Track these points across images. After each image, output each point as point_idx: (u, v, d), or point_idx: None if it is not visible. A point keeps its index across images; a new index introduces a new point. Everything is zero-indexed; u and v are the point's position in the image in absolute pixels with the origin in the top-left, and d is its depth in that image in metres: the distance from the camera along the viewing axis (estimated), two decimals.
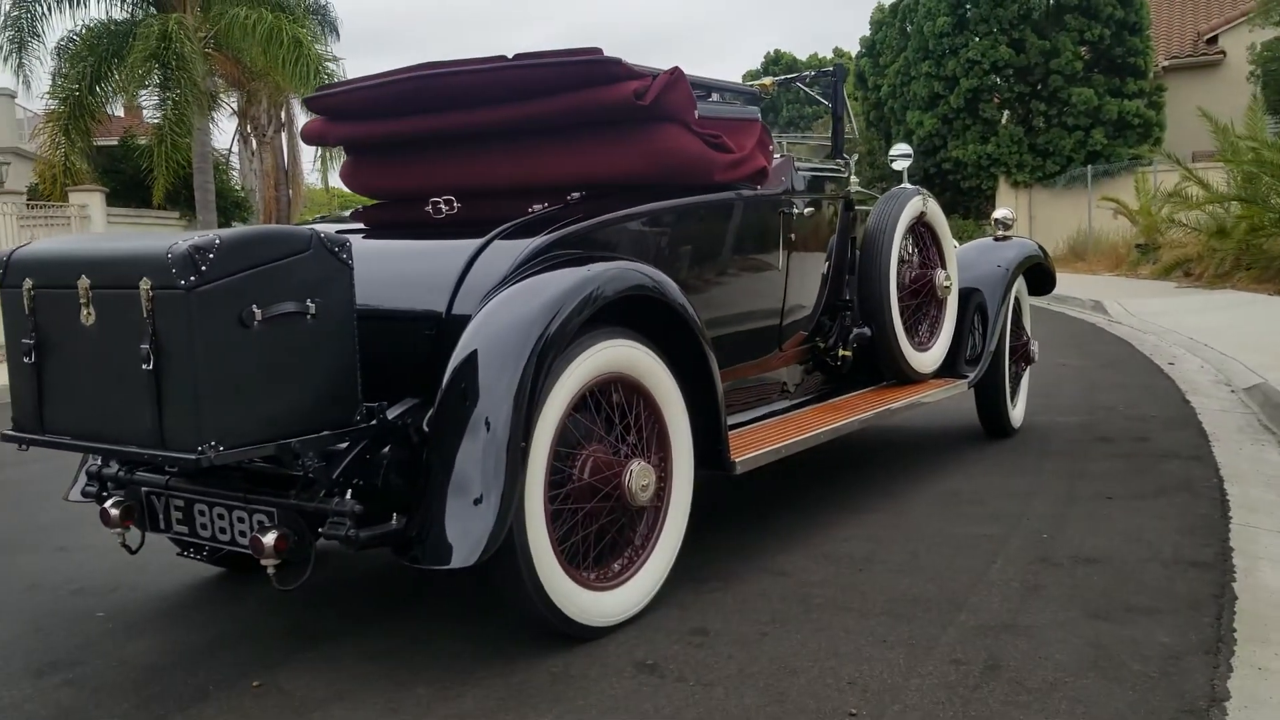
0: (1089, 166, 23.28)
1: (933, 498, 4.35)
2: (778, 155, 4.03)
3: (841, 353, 4.60)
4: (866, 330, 4.64)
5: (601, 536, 3.03)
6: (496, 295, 2.88)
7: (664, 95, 3.30)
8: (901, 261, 4.85)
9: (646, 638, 2.98)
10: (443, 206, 3.54)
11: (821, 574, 3.47)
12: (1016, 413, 5.55)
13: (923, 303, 4.94)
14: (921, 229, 4.96)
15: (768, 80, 4.76)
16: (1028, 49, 24.21)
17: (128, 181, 18.08)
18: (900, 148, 5.12)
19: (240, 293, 2.50)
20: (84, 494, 3.17)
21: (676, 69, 3.33)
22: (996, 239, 5.59)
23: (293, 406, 2.63)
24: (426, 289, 3.02)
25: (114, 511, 2.98)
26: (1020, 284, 5.59)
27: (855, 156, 5.63)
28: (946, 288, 4.91)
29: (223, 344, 2.47)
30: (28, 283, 2.77)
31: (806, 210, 4.05)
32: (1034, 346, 5.65)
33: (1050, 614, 3.05)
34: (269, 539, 2.63)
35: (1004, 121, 25.09)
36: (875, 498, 4.35)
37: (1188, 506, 4.09)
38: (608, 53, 3.30)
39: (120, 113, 20.47)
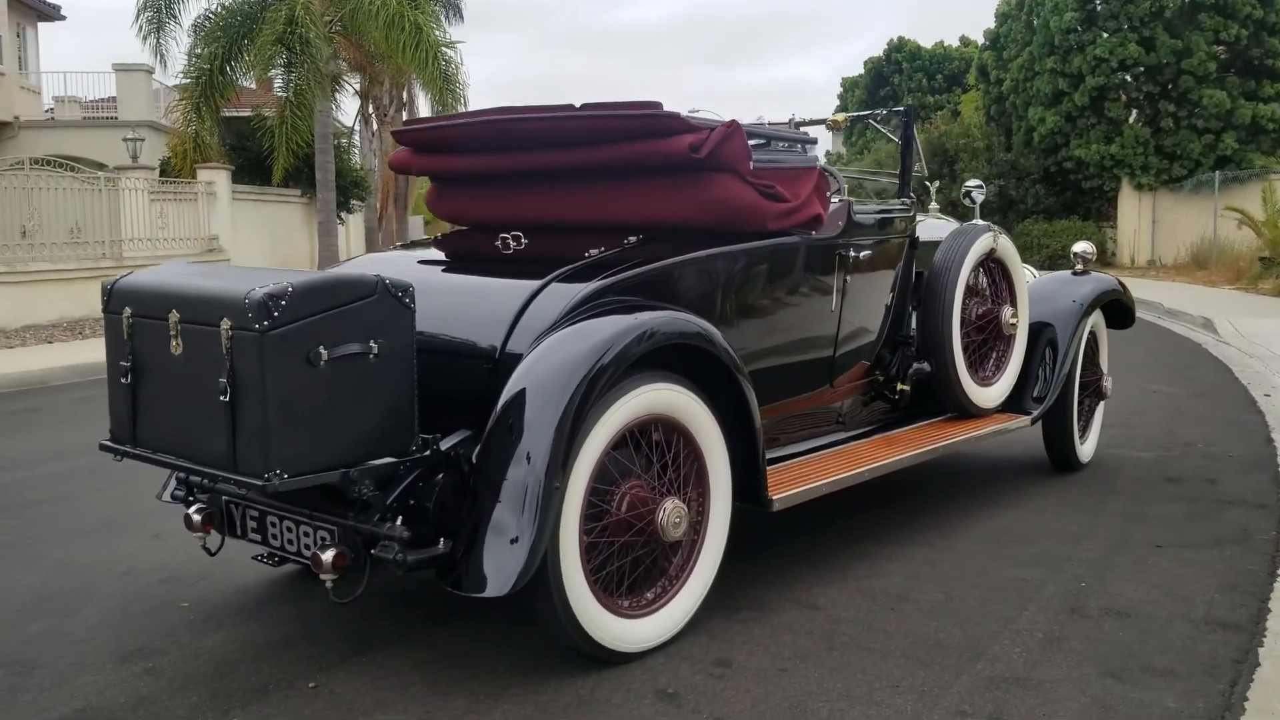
0: (1217, 172, 22.50)
1: (981, 535, 4.44)
2: (836, 199, 4.15)
3: (900, 387, 4.70)
4: (926, 365, 4.72)
5: (636, 567, 3.22)
6: (548, 338, 3.09)
7: (720, 148, 3.46)
8: (969, 296, 4.92)
9: (672, 666, 3.17)
10: (511, 242, 3.76)
11: (853, 610, 3.61)
12: (1086, 448, 5.56)
13: (989, 338, 5.00)
14: (992, 264, 5.01)
15: (840, 116, 4.86)
16: (1158, 47, 23.46)
17: (253, 159, 18.85)
18: (974, 182, 5.17)
19: (309, 335, 2.75)
20: (173, 497, 3.50)
21: (733, 123, 3.48)
22: (1075, 273, 5.60)
23: (354, 438, 2.88)
24: (485, 326, 3.24)
25: (196, 517, 3.29)
26: (1098, 319, 5.59)
27: (937, 184, 5.70)
28: (1013, 324, 4.95)
29: (291, 382, 2.72)
30: (127, 311, 3.07)
31: (863, 252, 4.17)
32: (1107, 382, 5.65)
33: (1065, 669, 3.14)
34: (328, 556, 2.88)
35: (1130, 121, 24.39)
36: (923, 531, 4.46)
37: (1236, 560, 4.10)
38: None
39: (253, 84, 21.31)
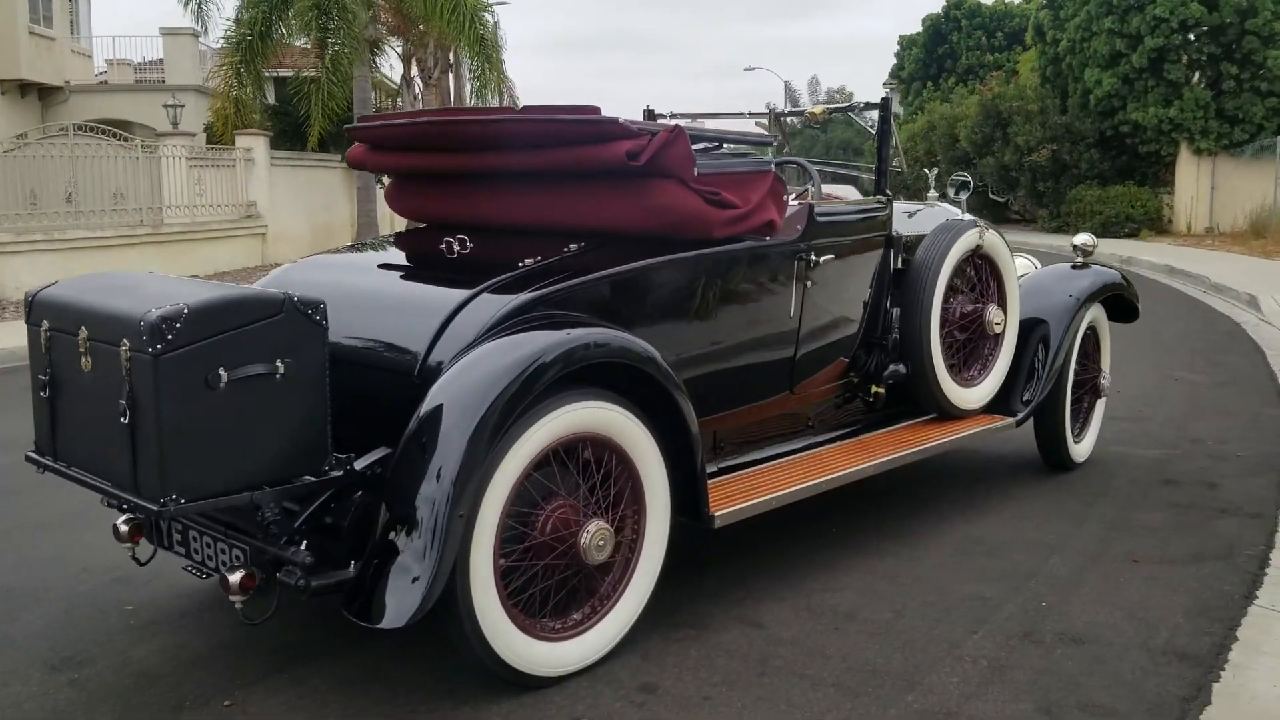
0: (1279, 138, 21.70)
1: (952, 544, 4.31)
2: (795, 203, 4.00)
3: (874, 389, 4.57)
4: (901, 367, 4.58)
5: (562, 588, 3.15)
6: (468, 353, 3.01)
7: (661, 154, 3.34)
8: (953, 295, 4.76)
9: (594, 690, 3.10)
10: (456, 245, 3.68)
11: (796, 629, 3.51)
12: (1082, 447, 5.38)
13: (974, 337, 4.83)
14: (979, 261, 4.84)
15: (817, 108, 4.69)
16: (1221, 7, 22.56)
17: (294, 124, 18.91)
18: (960, 175, 4.98)
19: (207, 358, 2.70)
20: (109, 503, 3.48)
21: (676, 128, 3.35)
22: (1074, 266, 5.39)
23: (259, 460, 2.83)
24: (408, 339, 3.18)
25: (124, 528, 3.28)
26: (1098, 314, 5.39)
27: (935, 171, 5.51)
28: (998, 324, 4.78)
29: (187, 405, 2.67)
30: (45, 324, 3.05)
31: (827, 255, 4.02)
32: (1105, 380, 5.45)
33: (1001, 704, 3.03)
34: (235, 577, 2.85)
35: (1191, 84, 23.57)
36: (891, 540, 4.33)
37: (1214, 579, 3.94)
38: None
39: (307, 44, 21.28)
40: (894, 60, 45.35)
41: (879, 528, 4.46)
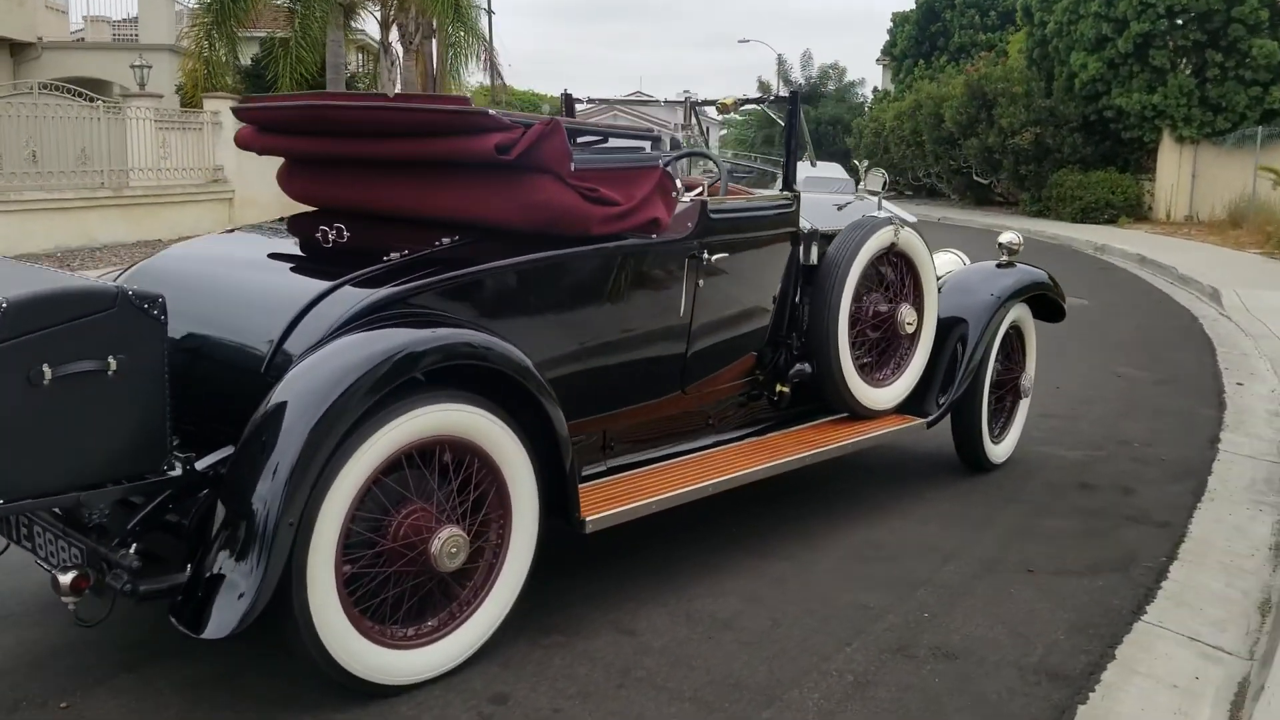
0: (1260, 127, 21.59)
1: (848, 548, 4.24)
2: (686, 199, 3.90)
3: (779, 388, 4.49)
4: (807, 367, 4.50)
5: (416, 593, 3.07)
6: (320, 349, 2.92)
7: (535, 148, 3.23)
8: (867, 293, 4.67)
9: (443, 701, 3.03)
10: (331, 234, 3.57)
11: (668, 637, 3.44)
12: (1001, 448, 5.31)
13: (888, 337, 4.75)
14: (895, 259, 4.74)
15: (729, 99, 4.58)
16: None
17: (266, 88, 18.67)
18: (876, 173, 4.88)
19: (27, 354, 2.59)
20: None
21: (552, 121, 3.25)
22: (1000, 265, 5.31)
23: (89, 459, 2.73)
24: (259, 333, 3.08)
25: None
26: (1022, 314, 5.31)
27: (867, 164, 5.41)
28: (910, 324, 4.69)
29: (7, 403, 2.58)
30: None
31: (723, 253, 3.92)
32: (1027, 380, 5.37)
33: None
34: (66, 578, 2.76)
35: (1179, 69, 23.40)
36: (787, 542, 4.26)
37: (1105, 593, 3.88)
38: None
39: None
40: (886, 37, 45.12)
41: (776, 530, 4.39)
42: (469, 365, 3.05)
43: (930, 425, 4.82)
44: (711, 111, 4.93)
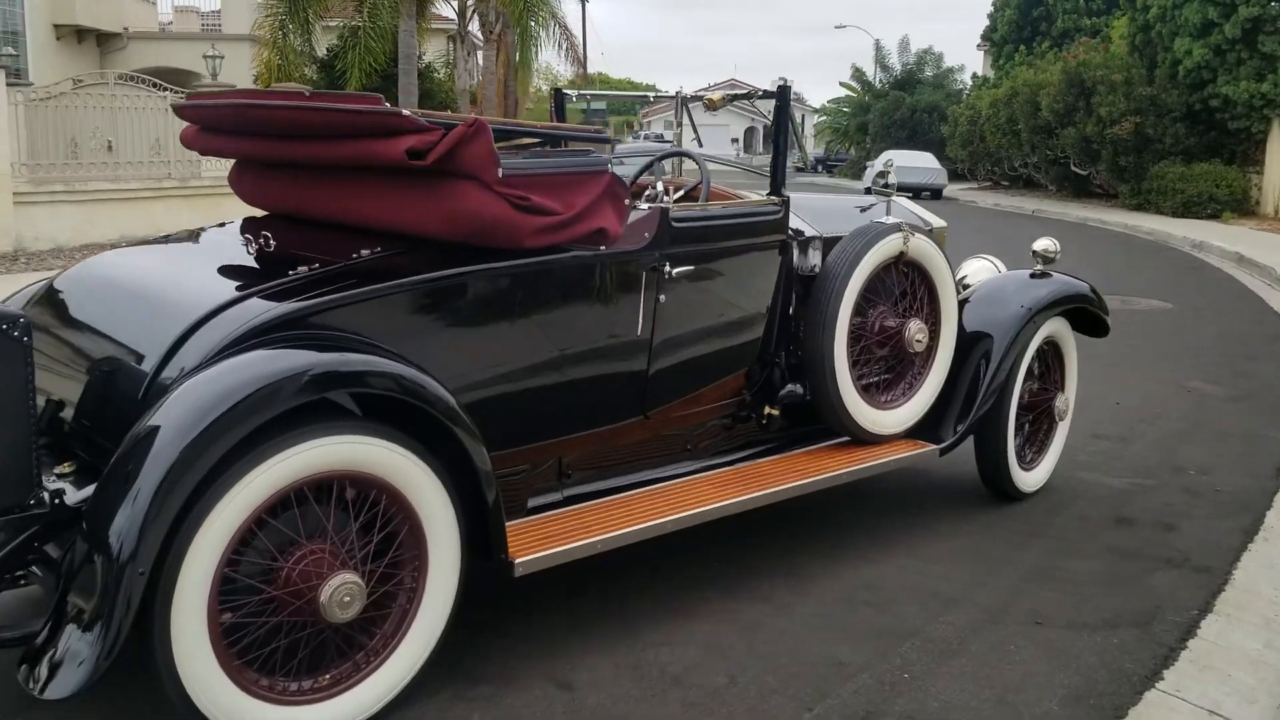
0: None
1: (839, 590, 3.84)
2: (644, 206, 3.53)
3: (768, 411, 4.11)
4: (798, 388, 4.11)
5: (313, 643, 2.79)
6: (196, 374, 2.65)
7: (456, 153, 2.91)
8: (872, 307, 4.25)
9: None
10: (258, 242, 3.33)
11: (605, 694, 3.11)
12: (1033, 475, 4.84)
13: (897, 354, 4.33)
14: (905, 269, 4.32)
15: (716, 95, 4.20)
16: None
17: (337, 79, 18.69)
18: (882, 161, 4.43)
19: None
20: None
21: (477, 122, 2.92)
22: (1033, 275, 4.83)
23: None
24: (144, 351, 2.85)
25: None
26: (1060, 328, 4.83)
27: (890, 162, 4.99)
28: (919, 341, 4.26)
29: None
30: None
31: (689, 266, 3.55)
32: (1063, 401, 4.88)
33: None
34: None
35: None
36: (771, 580, 3.88)
37: (1119, 654, 3.43)
38: None
39: None
40: (987, 21, 43.75)
41: (759, 566, 4.00)
42: (370, 394, 2.76)
43: (943, 453, 4.38)
44: (706, 112, 4.53)
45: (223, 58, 18.29)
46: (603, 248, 3.27)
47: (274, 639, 2.72)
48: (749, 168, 4.36)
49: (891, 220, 4.25)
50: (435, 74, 21.99)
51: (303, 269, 2.99)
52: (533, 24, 17.39)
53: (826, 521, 4.47)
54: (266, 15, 17.70)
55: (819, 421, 4.23)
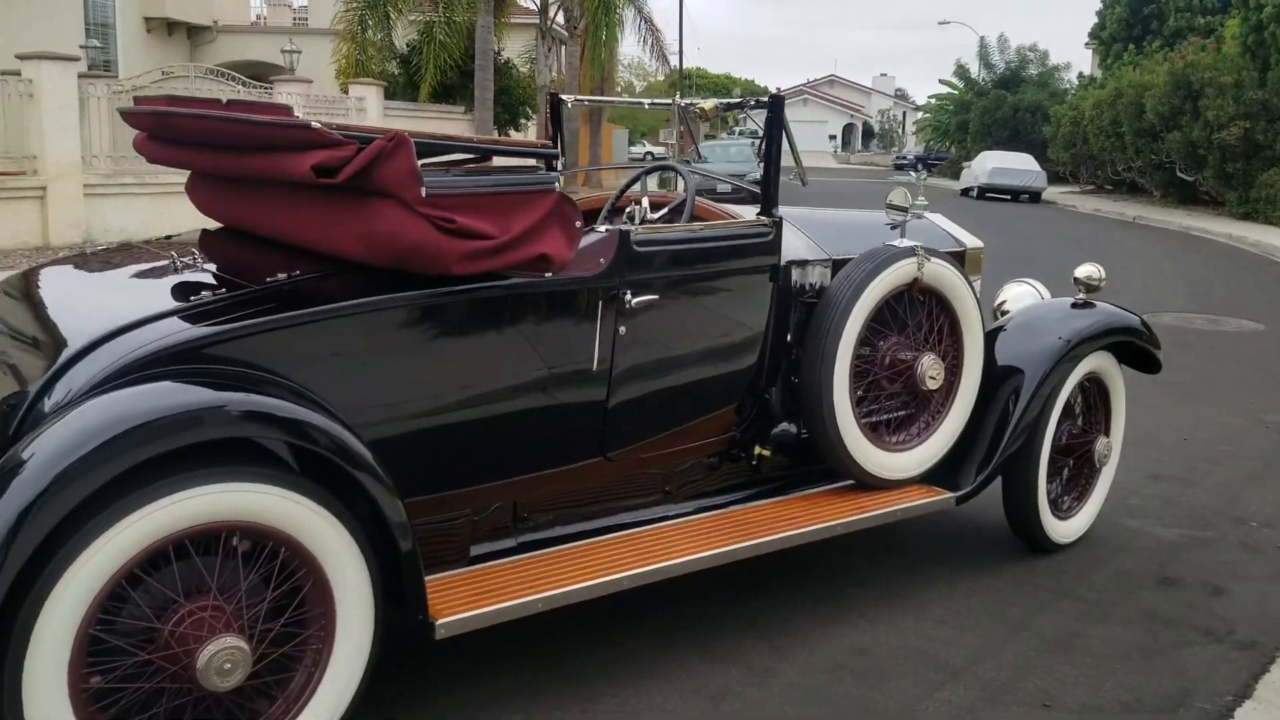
0: None
1: (821, 656, 3.46)
2: (601, 229, 3.20)
3: (758, 451, 3.75)
4: (791, 426, 3.74)
5: (200, 709, 2.53)
6: (65, 411, 2.41)
7: (371, 170, 2.62)
8: (881, 338, 3.86)
9: None
10: (181, 260, 3.07)
11: None
12: (1069, 525, 4.38)
13: (910, 390, 3.93)
14: (920, 297, 3.91)
15: (708, 104, 3.84)
16: None
17: (412, 75, 18.70)
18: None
19: None
20: None
21: (396, 135, 2.62)
22: (1075, 304, 4.38)
23: None
24: (21, 384, 2.62)
25: None
26: (1104, 364, 4.37)
27: (925, 175, 4.60)
28: (933, 378, 3.85)
29: None
30: None
31: (649, 295, 3.20)
32: (1104, 444, 4.41)
33: None
34: None
35: None
36: (748, 641, 3.52)
37: None
38: None
39: None
40: (1095, 18, 42.24)
41: (742, 624, 3.64)
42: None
43: (961, 502, 3.97)
44: (705, 120, 4.17)
45: (300, 52, 18.41)
46: (547, 274, 2.95)
47: (155, 706, 2.47)
48: (744, 184, 3.99)
49: (904, 243, 3.85)
50: (514, 70, 21.86)
51: (219, 291, 2.73)
52: (607, 18, 17.08)
53: (825, 570, 4.09)
54: (346, 9, 17.75)
55: (820, 462, 3.86)
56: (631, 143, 39.80)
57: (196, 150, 3.13)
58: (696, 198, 3.79)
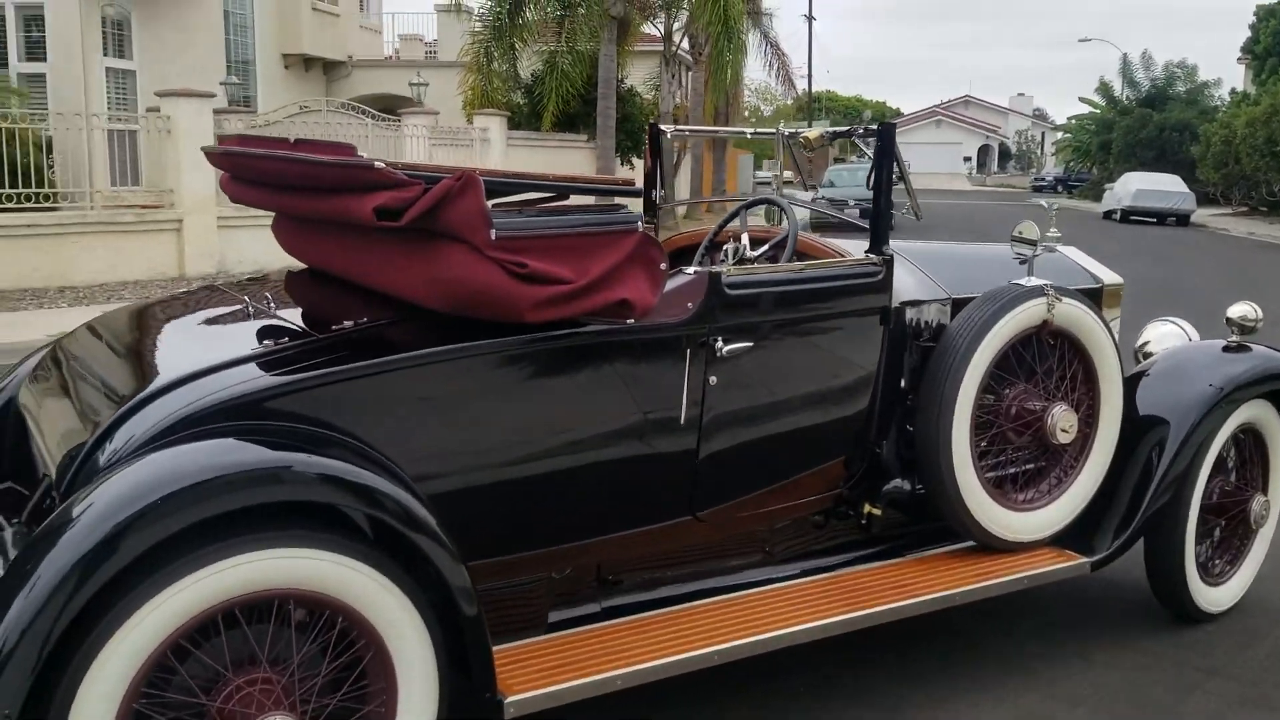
0: None
1: None
2: (689, 271, 2.94)
3: (868, 510, 3.44)
4: (904, 483, 3.43)
5: None
6: (111, 472, 2.29)
7: (437, 211, 2.44)
8: (1006, 385, 3.53)
9: None
10: (253, 306, 2.96)
11: None
12: (1221, 592, 3.94)
13: (1039, 443, 3.57)
14: (1051, 340, 3.56)
15: (813, 132, 3.55)
16: None
17: (535, 104, 18.82)
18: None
19: None
20: None
21: (465, 176, 2.43)
22: (1228, 348, 3.95)
23: None
24: (76, 439, 2.52)
25: None
26: (1263, 413, 3.93)
27: (1055, 205, 4.24)
28: (1065, 431, 3.49)
29: None
30: None
31: (743, 343, 2.94)
32: (1260, 504, 3.95)
33: None
34: None
35: None
36: (863, 717, 3.21)
37: None
38: None
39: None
40: (1248, 33, 40.32)
41: (847, 695, 3.33)
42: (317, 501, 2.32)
43: (1097, 567, 3.58)
44: (810, 150, 3.87)
45: (427, 84, 18.72)
46: (629, 321, 2.72)
47: None
48: (850, 219, 3.71)
49: (1032, 281, 3.50)
50: (637, 97, 21.84)
51: (283, 340, 2.59)
52: (730, 43, 16.90)
53: (943, 635, 3.74)
54: (473, 41, 17.97)
55: (938, 520, 3.53)
56: (757, 167, 39.42)
57: (270, 191, 3.01)
58: (803, 233, 3.53)
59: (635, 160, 21.66)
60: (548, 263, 2.54)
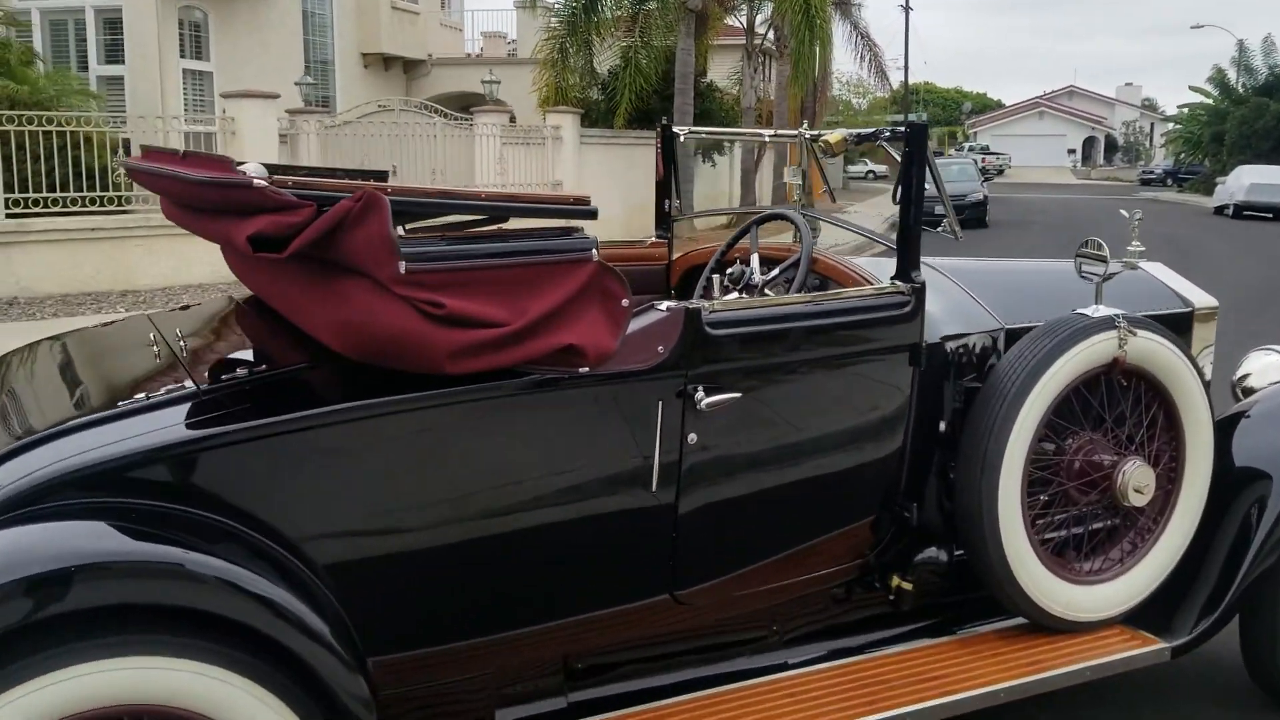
0: None
1: None
2: (663, 306, 2.42)
3: (896, 583, 2.89)
4: (940, 553, 2.87)
5: None
6: None
7: (336, 239, 1.97)
8: (1066, 436, 2.95)
9: None
10: (160, 343, 2.54)
11: None
12: None
13: (1107, 504, 2.99)
14: (1124, 381, 2.97)
15: (835, 136, 3.00)
16: None
17: (611, 100, 18.35)
18: (1095, 242, 3.03)
19: None
20: None
21: (366, 196, 1.95)
22: None
23: None
24: None
25: None
26: None
27: (1139, 216, 3.65)
28: (1139, 491, 2.90)
29: None
30: None
31: (729, 393, 2.41)
32: None
33: None
34: None
35: None
36: None
37: None
38: None
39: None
40: None
41: None
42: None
43: (1179, 654, 2.98)
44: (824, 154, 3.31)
45: (499, 82, 18.35)
46: (583, 370, 2.22)
47: None
48: (875, 236, 3.15)
49: (1101, 310, 2.91)
50: (717, 92, 21.21)
51: (168, 390, 2.15)
52: (811, 33, 16.24)
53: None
54: (547, 38, 17.60)
55: (982, 589, 2.97)
56: (849, 161, 38.38)
57: (184, 212, 2.58)
58: (824, 253, 3.00)
59: (717, 157, 21.06)
60: (472, 301, 2.05)
